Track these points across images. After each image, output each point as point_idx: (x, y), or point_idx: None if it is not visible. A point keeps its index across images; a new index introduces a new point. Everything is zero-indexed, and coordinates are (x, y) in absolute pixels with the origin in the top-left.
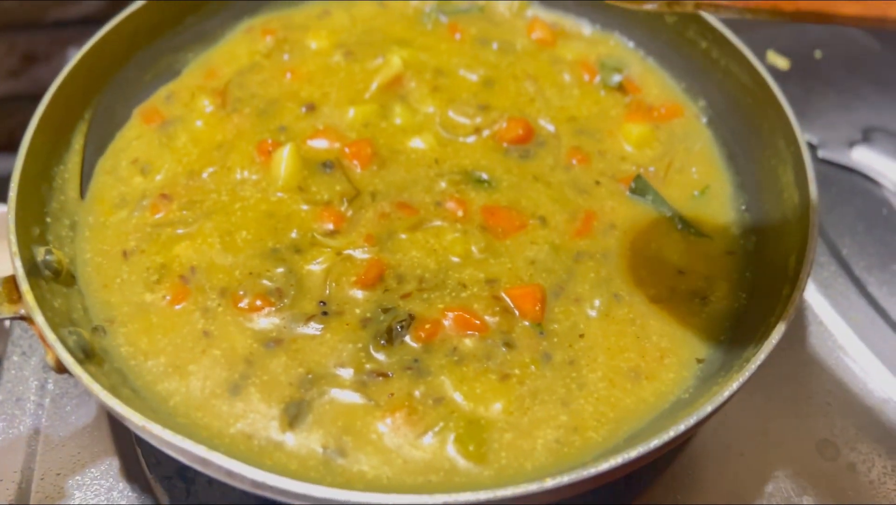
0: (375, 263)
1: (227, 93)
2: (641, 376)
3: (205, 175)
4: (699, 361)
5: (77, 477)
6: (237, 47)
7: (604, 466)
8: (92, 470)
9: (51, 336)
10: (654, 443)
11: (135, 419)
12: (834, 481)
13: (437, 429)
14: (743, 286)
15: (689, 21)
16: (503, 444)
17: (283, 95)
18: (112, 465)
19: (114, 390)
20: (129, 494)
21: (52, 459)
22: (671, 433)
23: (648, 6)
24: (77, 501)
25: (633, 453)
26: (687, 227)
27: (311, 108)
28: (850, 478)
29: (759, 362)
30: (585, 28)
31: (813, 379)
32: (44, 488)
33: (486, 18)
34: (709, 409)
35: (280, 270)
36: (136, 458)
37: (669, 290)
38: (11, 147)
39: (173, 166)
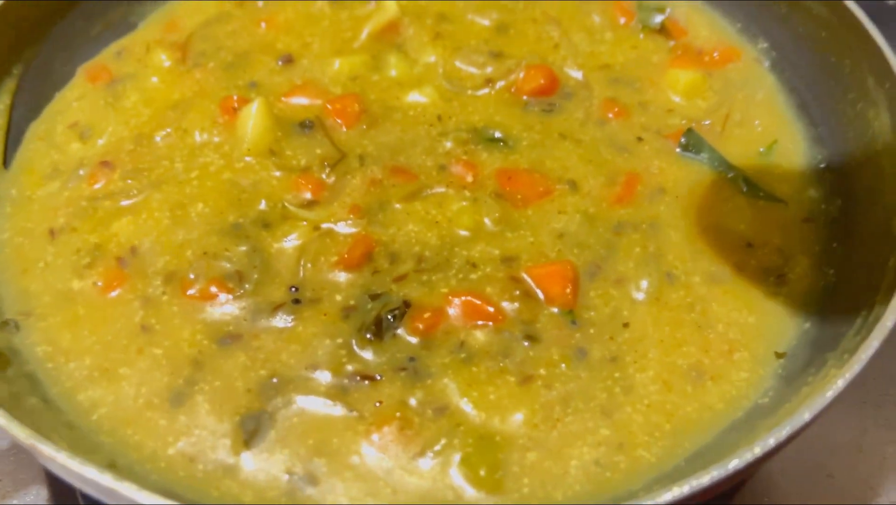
0: (362, 238)
1: (188, 46)
2: (705, 376)
3: (157, 138)
4: (779, 355)
5: None
6: None
7: (663, 497)
8: (15, 500)
9: None
10: (734, 465)
11: (20, 435)
12: None
13: (437, 447)
14: (829, 260)
15: None
16: (525, 467)
17: (255, 47)
18: (40, 494)
19: (14, 400)
20: None
21: None
22: (756, 451)
23: None
24: None
25: (704, 480)
26: (754, 189)
27: (289, 60)
28: None
29: (870, 352)
30: None
31: None
32: None
33: None
34: (806, 417)
35: (242, 248)
36: (69, 485)
37: (736, 266)
38: None
39: (119, 129)
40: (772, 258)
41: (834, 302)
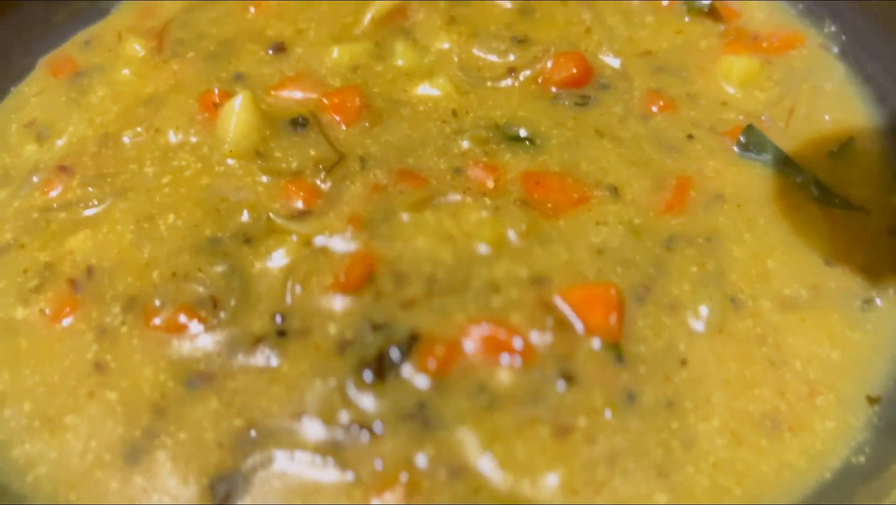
0: (362, 255)
1: (165, 34)
2: (782, 426)
3: (125, 139)
4: (871, 400)
5: None
6: None
7: None
8: None
9: None
10: None
11: None
12: None
13: None
14: None
15: None
16: None
17: (241, 34)
18: None
19: None
20: None
21: None
22: None
23: None
24: None
25: None
26: (828, 195)
27: (280, 48)
28: None
29: None
30: None
31: None
32: None
33: None
34: None
35: (218, 268)
36: None
37: (813, 289)
38: None
39: (82, 128)
40: (855, 279)
41: None
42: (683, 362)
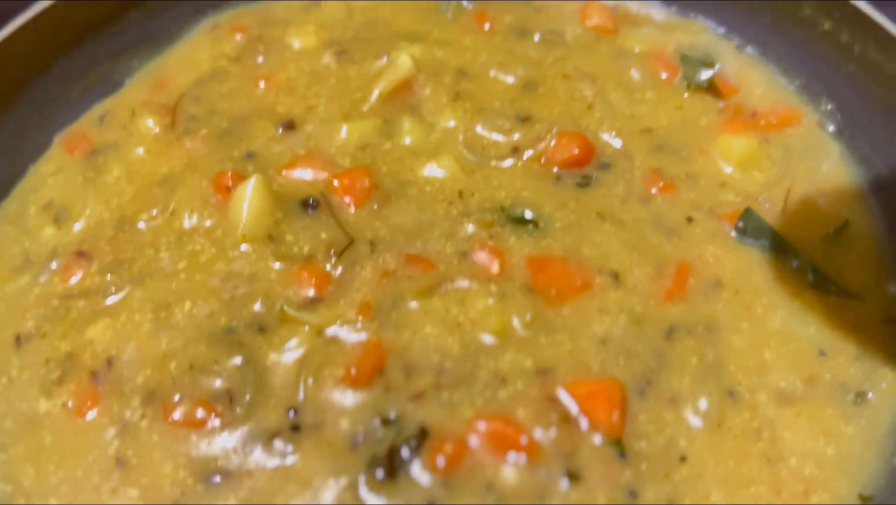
0: (373, 346)
1: (178, 110)
2: None
3: (141, 224)
4: (864, 498)
5: None
6: (197, 50)
7: None
8: None
9: None
10: None
11: None
12: None
13: None
14: None
15: None
16: None
17: (253, 111)
18: None
19: None
20: None
21: None
22: None
23: None
24: None
25: None
26: (824, 282)
27: (290, 126)
28: None
29: None
30: (657, 10)
31: None
32: None
33: (524, 3)
34: None
35: (234, 360)
36: None
37: (808, 381)
38: None
39: (99, 210)
40: (849, 370)
41: None
42: (683, 459)
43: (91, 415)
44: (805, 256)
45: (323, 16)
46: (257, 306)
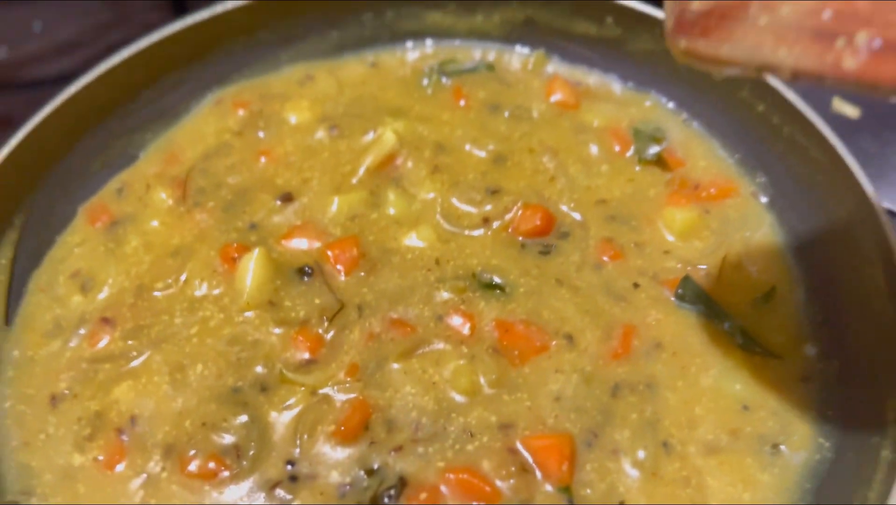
0: (359, 404)
1: (188, 183)
2: None
3: (157, 292)
4: None
5: None
6: (203, 124)
7: None
8: None
9: None
10: None
11: None
12: None
13: None
14: (825, 430)
15: (743, 79)
16: None
17: (255, 183)
18: None
19: None
20: None
21: None
22: None
23: (728, 71)
24: None
25: None
26: (750, 343)
27: (288, 198)
28: None
29: None
30: (615, 86)
31: None
32: None
33: (496, 78)
34: None
35: (241, 418)
36: None
37: (732, 433)
38: None
39: (120, 280)
40: (768, 424)
41: (830, 482)
42: (622, 504)
43: (119, 468)
44: (735, 319)
45: (316, 90)
46: (259, 368)
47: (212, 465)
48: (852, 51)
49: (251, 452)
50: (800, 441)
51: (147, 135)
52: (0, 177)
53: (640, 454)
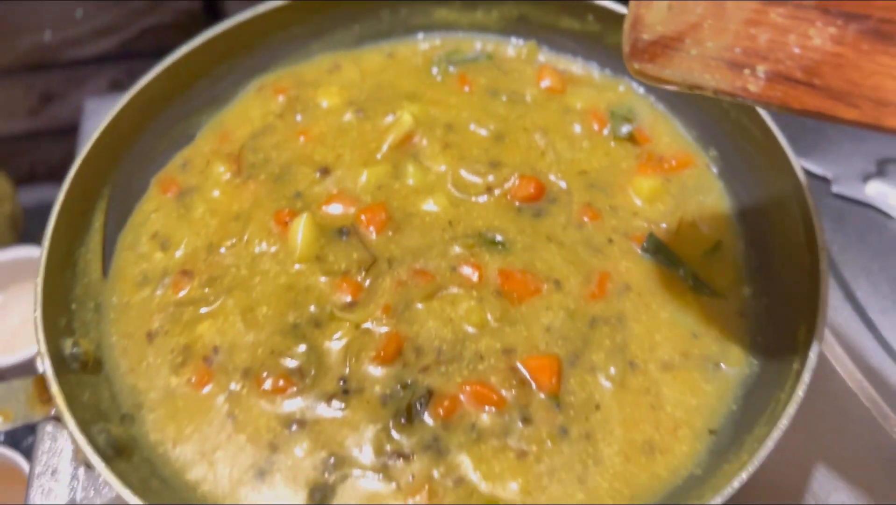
0: (394, 336)
1: (241, 158)
2: (655, 450)
3: (223, 249)
4: (711, 431)
5: None
6: (250, 108)
7: None
8: None
9: (81, 439)
10: None
11: None
12: None
13: None
14: (755, 352)
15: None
16: None
17: (297, 159)
18: None
19: (144, 485)
20: None
21: None
22: None
23: (670, 87)
24: None
25: None
26: (700, 286)
27: (325, 171)
28: None
29: (767, 449)
30: (595, 73)
31: (825, 430)
32: None
33: (495, 66)
34: (718, 501)
35: (301, 347)
36: None
37: (684, 354)
38: (31, 180)
39: (192, 240)
40: (711, 348)
41: (755, 390)
42: (597, 407)
43: (207, 389)
44: (688, 266)
45: (343, 77)
46: (312, 308)
47: (281, 382)
48: (755, 79)
49: (312, 373)
50: (735, 360)
51: (202, 118)
52: (90, 157)
53: (612, 371)
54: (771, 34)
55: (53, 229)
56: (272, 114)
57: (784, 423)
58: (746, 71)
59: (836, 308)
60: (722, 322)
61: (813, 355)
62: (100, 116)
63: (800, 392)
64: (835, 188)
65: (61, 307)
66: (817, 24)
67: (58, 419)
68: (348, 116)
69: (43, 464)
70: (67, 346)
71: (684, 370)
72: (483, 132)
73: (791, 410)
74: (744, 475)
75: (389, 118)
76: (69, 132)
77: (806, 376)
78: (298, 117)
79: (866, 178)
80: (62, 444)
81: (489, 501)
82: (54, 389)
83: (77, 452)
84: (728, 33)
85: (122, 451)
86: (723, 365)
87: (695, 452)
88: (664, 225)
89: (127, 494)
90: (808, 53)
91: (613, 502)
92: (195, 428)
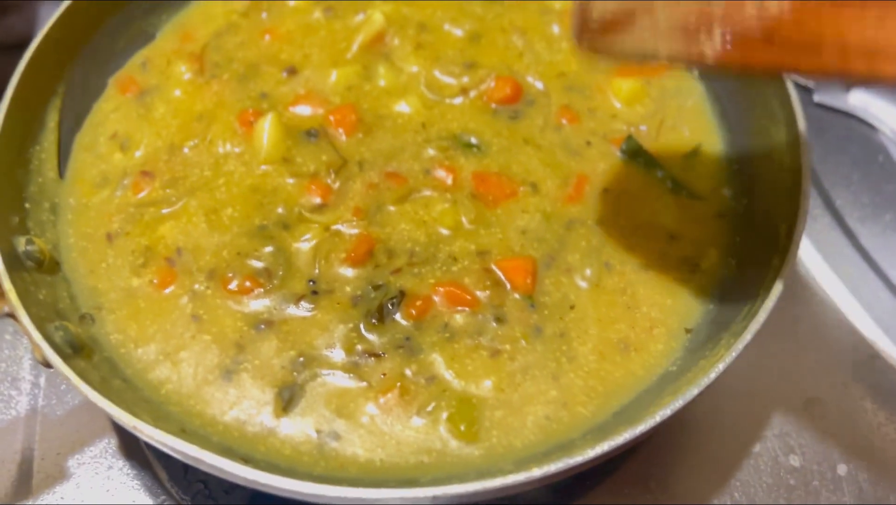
0: (364, 238)
1: (204, 57)
2: (630, 348)
3: (186, 150)
4: (687, 330)
5: (77, 456)
6: (212, 6)
7: (591, 453)
8: (91, 448)
9: (36, 335)
10: (641, 428)
11: (125, 419)
12: (823, 438)
13: (429, 408)
14: (733, 252)
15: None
16: (494, 421)
17: (262, 58)
18: (111, 442)
19: (104, 383)
20: (129, 470)
21: (51, 438)
22: (657, 418)
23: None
24: (78, 480)
25: (620, 439)
26: (678, 188)
27: (292, 71)
28: (838, 434)
29: (745, 342)
30: None
31: (802, 336)
32: (45, 468)
33: None
34: (695, 391)
35: (268, 248)
36: (134, 435)
37: (660, 256)
38: None
39: (153, 140)
40: (689, 249)
41: (733, 289)
42: (572, 307)
43: (170, 289)
44: (667, 169)
45: None
46: (280, 210)
47: (248, 283)
48: (711, 44)
49: (280, 273)
50: (712, 260)
51: (162, 16)
52: (41, 51)
53: (587, 271)
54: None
55: (3, 123)
56: (236, 12)
57: (762, 316)
58: (702, 37)
59: (814, 217)
60: (700, 224)
61: (794, 248)
62: None
63: (779, 286)
64: (816, 97)
65: (13, 205)
66: None
67: (12, 316)
68: (316, 15)
69: (1, 372)
70: (21, 243)
71: (661, 271)
72: (458, 32)
73: (770, 303)
74: (721, 366)
75: (360, 17)
76: (24, 47)
77: (786, 270)
78: (264, 15)
79: (849, 87)
80: (21, 351)
81: (461, 398)
82: (6, 284)
83: (35, 349)
84: (681, 6)
85: (81, 349)
86: (700, 265)
87: (670, 351)
88: (644, 128)
89: (87, 390)
90: (766, 17)
91: (587, 399)
92: (158, 328)
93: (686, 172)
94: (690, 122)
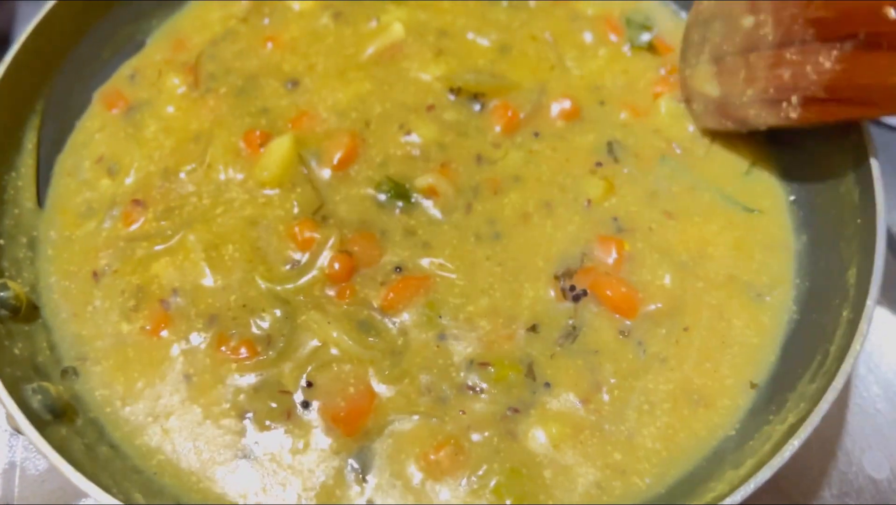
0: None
1: (199, 68)
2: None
3: (182, 175)
4: (753, 385)
5: None
6: (208, 11)
7: None
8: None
9: (10, 403)
10: None
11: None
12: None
13: None
14: (795, 295)
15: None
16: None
17: (262, 69)
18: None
19: (89, 452)
20: None
21: (29, 496)
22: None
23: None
24: None
25: None
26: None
27: (295, 83)
28: None
29: (821, 414)
30: None
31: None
32: None
33: None
34: (767, 474)
35: (277, 311)
36: None
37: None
38: None
39: (145, 164)
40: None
41: (796, 339)
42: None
43: (165, 333)
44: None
45: None
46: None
47: (244, 350)
48: (792, 108)
49: (280, 344)
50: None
51: (153, 21)
52: (18, 64)
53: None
54: (791, 70)
55: None
56: (235, 17)
57: (840, 382)
58: (784, 104)
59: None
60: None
61: (871, 303)
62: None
63: (857, 346)
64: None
65: None
66: (822, 51)
67: None
68: (324, 20)
69: None
70: None
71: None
72: (484, 42)
73: (847, 367)
74: (796, 443)
75: (373, 23)
76: (2, 45)
77: (863, 327)
78: (266, 21)
79: None
80: None
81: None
82: None
83: (9, 417)
84: (760, 80)
85: (62, 413)
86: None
87: (735, 408)
88: (697, 144)
89: (64, 466)
90: (824, 75)
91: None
92: (146, 382)
93: (743, 189)
94: (744, 141)
